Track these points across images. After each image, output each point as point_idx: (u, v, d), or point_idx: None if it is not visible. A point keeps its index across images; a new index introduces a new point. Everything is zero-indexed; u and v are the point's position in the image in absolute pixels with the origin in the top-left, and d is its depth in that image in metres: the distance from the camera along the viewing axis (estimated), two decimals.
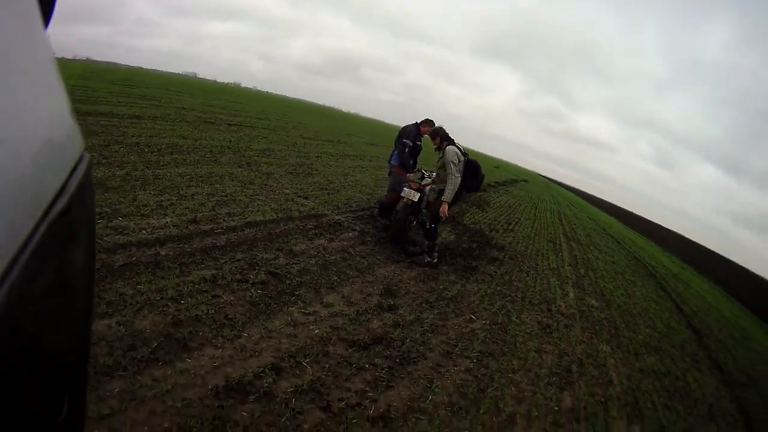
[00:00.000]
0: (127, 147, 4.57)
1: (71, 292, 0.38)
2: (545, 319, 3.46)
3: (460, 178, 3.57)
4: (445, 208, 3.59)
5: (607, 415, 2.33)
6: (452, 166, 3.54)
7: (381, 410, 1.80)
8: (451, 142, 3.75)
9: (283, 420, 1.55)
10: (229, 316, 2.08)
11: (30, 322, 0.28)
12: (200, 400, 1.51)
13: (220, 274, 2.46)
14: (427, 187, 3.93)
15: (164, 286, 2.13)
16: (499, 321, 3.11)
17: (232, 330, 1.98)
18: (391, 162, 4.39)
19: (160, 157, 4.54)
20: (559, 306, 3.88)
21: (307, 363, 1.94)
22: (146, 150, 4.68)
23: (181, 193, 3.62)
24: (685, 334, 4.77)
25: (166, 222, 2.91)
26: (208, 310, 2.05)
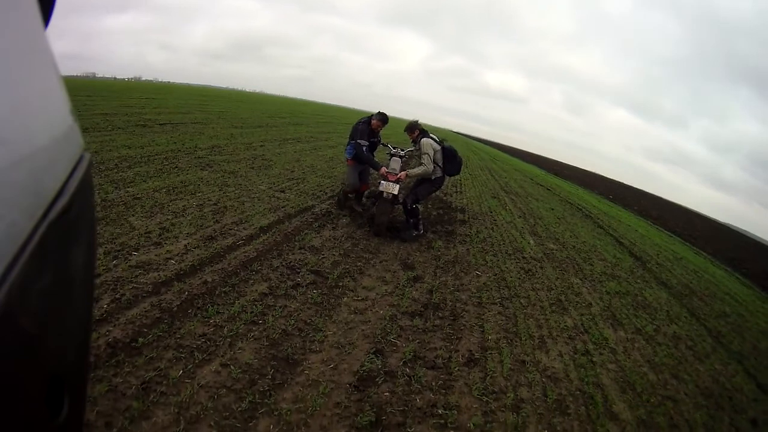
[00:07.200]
0: None
1: (71, 292, 0.37)
2: (524, 264, 4.24)
3: (431, 167, 3.91)
4: (402, 175, 3.92)
5: (597, 327, 3.17)
6: (427, 157, 3.92)
7: (467, 356, 2.28)
8: (426, 134, 4.08)
9: (411, 387, 1.90)
10: (308, 321, 2.25)
11: (30, 322, 0.27)
12: (347, 397, 1.74)
13: (273, 284, 2.55)
14: (403, 174, 3.97)
15: (234, 312, 2.15)
16: (496, 272, 3.77)
17: (318, 332, 2.17)
18: (346, 155, 4.31)
19: (122, 174, 3.99)
20: (529, 253, 4.72)
21: (394, 339, 2.27)
22: (102, 168, 4.08)
23: (171, 210, 3.36)
24: (630, 262, 5.99)
25: (186, 245, 2.77)
26: (288, 323, 2.19)
